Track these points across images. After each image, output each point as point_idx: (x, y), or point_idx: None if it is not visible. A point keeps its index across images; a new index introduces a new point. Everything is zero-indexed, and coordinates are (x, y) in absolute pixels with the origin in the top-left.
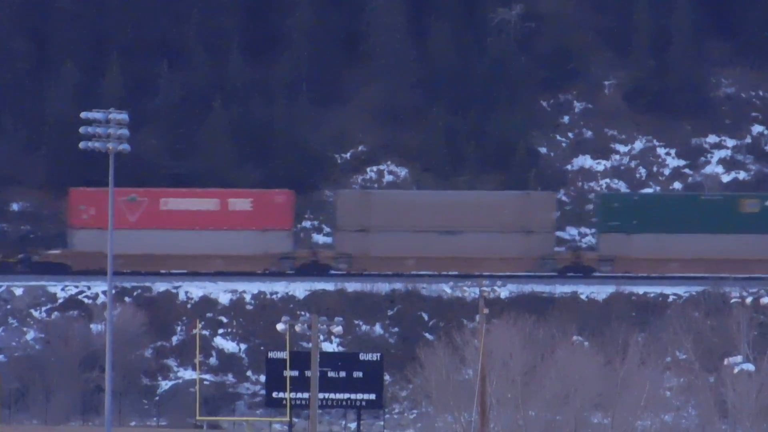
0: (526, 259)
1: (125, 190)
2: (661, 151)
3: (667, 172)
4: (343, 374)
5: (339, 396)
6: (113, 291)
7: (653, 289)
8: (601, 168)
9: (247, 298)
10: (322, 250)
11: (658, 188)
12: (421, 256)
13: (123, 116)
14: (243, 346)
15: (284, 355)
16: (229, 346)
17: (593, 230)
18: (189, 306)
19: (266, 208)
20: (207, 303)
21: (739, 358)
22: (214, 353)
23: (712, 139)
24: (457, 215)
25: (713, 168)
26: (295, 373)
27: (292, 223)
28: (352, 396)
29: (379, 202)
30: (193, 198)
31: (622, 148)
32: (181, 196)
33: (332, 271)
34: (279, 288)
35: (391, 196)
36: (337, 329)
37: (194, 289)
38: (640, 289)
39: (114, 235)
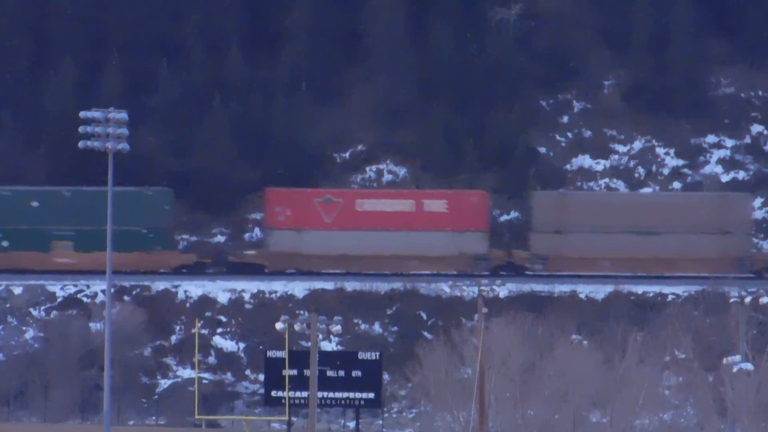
0: (724, 259)
1: (321, 191)
2: (660, 150)
3: (666, 171)
4: (341, 373)
5: (338, 395)
6: (112, 290)
7: (652, 288)
8: (600, 167)
9: (246, 297)
10: (517, 251)
11: (657, 188)
12: (617, 257)
13: (122, 115)
14: (242, 345)
15: (283, 354)
16: (227, 345)
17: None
18: (188, 305)
19: (461, 208)
20: (206, 302)
21: (737, 357)
22: (212, 352)
23: (711, 138)
24: (653, 216)
25: (712, 168)
26: (294, 372)
27: (487, 224)
28: (351, 395)
29: (574, 203)
30: (388, 199)
31: (621, 148)
32: (377, 197)
33: (528, 272)
34: (278, 287)
35: (586, 196)
36: (336, 328)
37: (193, 288)
38: (639, 288)
39: (310, 236)
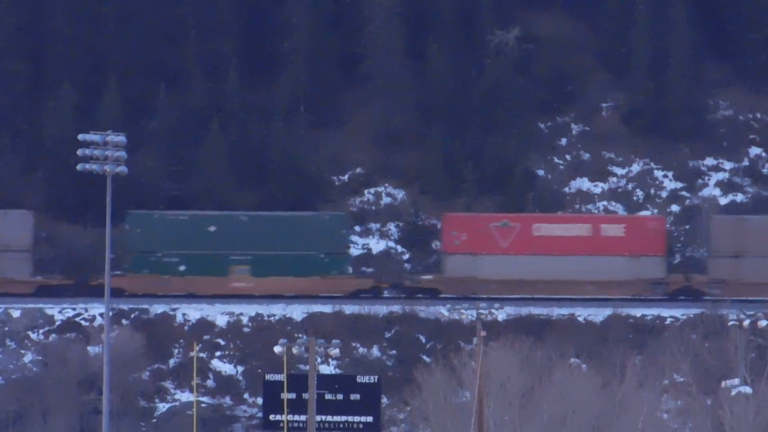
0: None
1: (497, 216)
2: (658, 173)
3: (664, 194)
4: (340, 397)
5: (336, 419)
6: (110, 313)
7: (650, 311)
8: (598, 190)
9: (245, 320)
10: (696, 276)
11: (656, 211)
12: None
13: (121, 138)
14: (240, 369)
15: (281, 377)
16: (226, 368)
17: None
18: (186, 328)
19: (639, 233)
20: (204, 325)
21: (736, 381)
22: (211, 375)
23: (709, 161)
24: None
25: (711, 190)
26: (293, 395)
27: (664, 248)
28: (350, 419)
29: (754, 228)
30: (565, 223)
31: (619, 171)
32: (554, 222)
33: (705, 297)
34: (276, 310)
35: (766, 221)
36: (335, 351)
37: (191, 312)
38: (637, 312)
39: (486, 261)
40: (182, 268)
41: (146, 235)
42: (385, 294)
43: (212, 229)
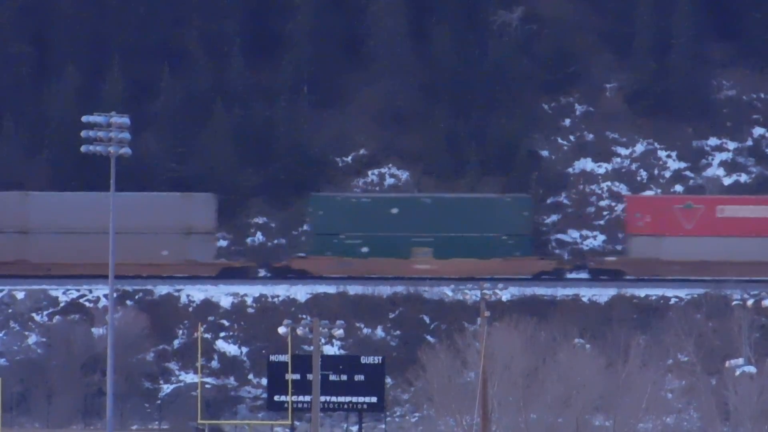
0: None
1: (681, 198)
2: (662, 153)
3: (668, 174)
4: (344, 377)
5: (341, 399)
6: (115, 294)
7: (655, 292)
8: (602, 171)
9: (249, 301)
10: None
11: (659, 191)
12: None
13: (124, 120)
14: (244, 350)
15: (286, 358)
16: (230, 349)
17: (595, 233)
18: (190, 309)
19: None
20: (208, 306)
21: (740, 361)
22: (215, 356)
23: (713, 141)
24: None
25: (714, 170)
26: (297, 376)
27: None
28: (354, 399)
29: None
30: (751, 205)
31: (623, 151)
32: (739, 203)
33: None
34: (280, 291)
35: None
36: (339, 332)
37: (195, 293)
38: (641, 292)
39: (670, 242)
40: (364, 249)
41: (328, 218)
42: (568, 276)
43: (394, 211)
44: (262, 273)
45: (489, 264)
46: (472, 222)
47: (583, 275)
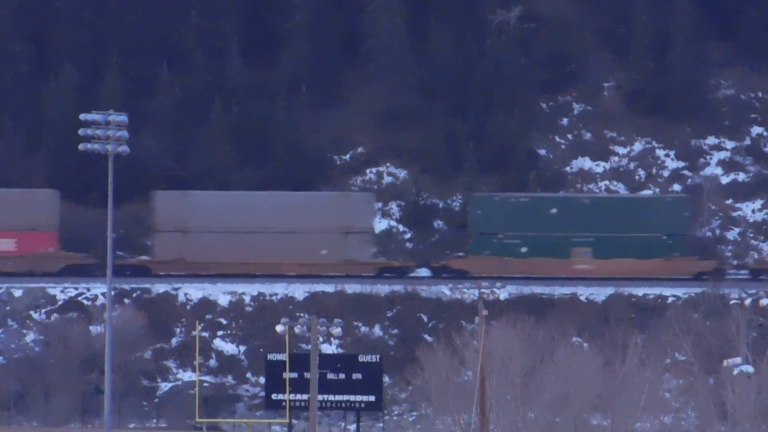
0: None
1: None
2: (660, 152)
3: (666, 173)
4: (342, 376)
5: (338, 398)
6: (112, 293)
7: (652, 291)
8: (600, 170)
9: (247, 299)
10: None
11: (657, 190)
12: None
13: (122, 118)
14: (242, 348)
15: (284, 356)
16: (228, 347)
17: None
18: (188, 308)
19: None
20: (206, 305)
21: (738, 360)
22: (213, 355)
23: (711, 140)
24: None
25: (712, 170)
26: (295, 374)
27: None
28: (352, 398)
29: None
30: None
31: (621, 150)
32: None
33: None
34: (278, 290)
35: None
36: (337, 331)
37: (193, 291)
38: (639, 291)
39: None
40: (523, 249)
41: (487, 217)
42: (728, 276)
43: (553, 211)
44: (423, 272)
45: (649, 264)
46: (632, 222)
47: (744, 275)
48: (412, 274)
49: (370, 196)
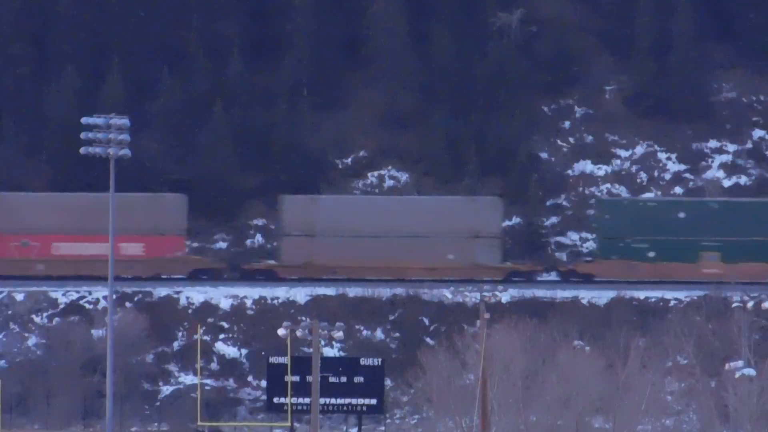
0: None
1: None
2: (662, 155)
3: (668, 176)
4: (344, 379)
5: (340, 401)
6: (114, 296)
7: (654, 294)
8: (602, 173)
9: (248, 303)
10: None
11: (659, 193)
12: None
13: (124, 121)
14: (244, 351)
15: (285, 360)
16: (230, 351)
17: (594, 235)
18: (190, 311)
19: None
20: (208, 308)
21: (740, 363)
22: (215, 358)
23: (713, 143)
24: None
25: (714, 173)
26: (296, 378)
27: None
28: (354, 401)
29: None
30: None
31: (623, 153)
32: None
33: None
34: (280, 293)
35: None
36: (338, 334)
37: (195, 294)
38: (641, 294)
39: None
40: (651, 254)
41: (615, 221)
42: None
43: (682, 215)
44: (549, 277)
45: None
46: (760, 226)
47: None
48: (539, 278)
49: (497, 201)
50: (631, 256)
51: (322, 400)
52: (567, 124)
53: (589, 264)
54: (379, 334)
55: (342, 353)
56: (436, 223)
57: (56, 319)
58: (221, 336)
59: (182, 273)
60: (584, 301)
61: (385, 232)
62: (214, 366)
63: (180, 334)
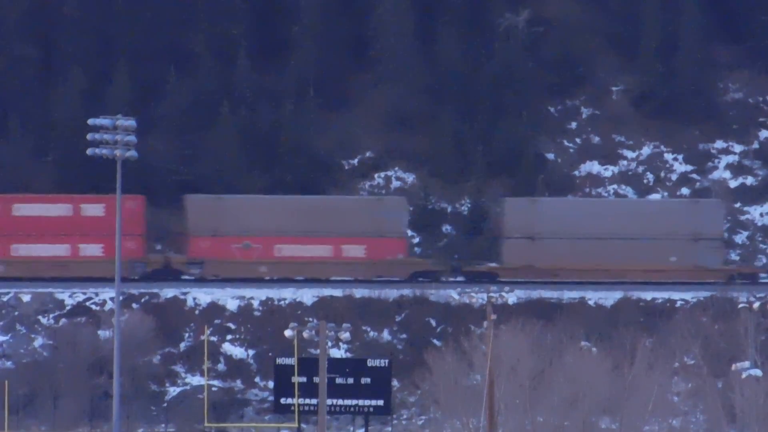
0: None
1: None
2: (668, 156)
3: (674, 177)
4: (351, 380)
5: (347, 402)
6: (121, 297)
7: (660, 294)
8: (608, 173)
9: (255, 304)
10: None
11: (666, 194)
12: None
13: (130, 123)
14: (251, 352)
15: (292, 361)
16: (237, 352)
17: None
18: (197, 312)
19: None
20: (215, 309)
21: (747, 363)
22: (222, 359)
23: (719, 144)
24: None
25: (721, 173)
26: (303, 379)
27: None
28: (360, 402)
29: None
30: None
31: (629, 154)
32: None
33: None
34: (287, 294)
35: None
36: (345, 335)
37: (202, 296)
38: (647, 295)
39: None
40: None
41: None
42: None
43: None
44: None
45: None
46: None
47: None
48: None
49: (719, 203)
50: None
51: (329, 401)
52: (573, 124)
53: None
54: (386, 335)
55: (349, 354)
56: (658, 225)
57: (63, 321)
58: (228, 337)
59: (403, 275)
60: (591, 302)
61: (606, 234)
62: (221, 367)
63: (187, 335)
